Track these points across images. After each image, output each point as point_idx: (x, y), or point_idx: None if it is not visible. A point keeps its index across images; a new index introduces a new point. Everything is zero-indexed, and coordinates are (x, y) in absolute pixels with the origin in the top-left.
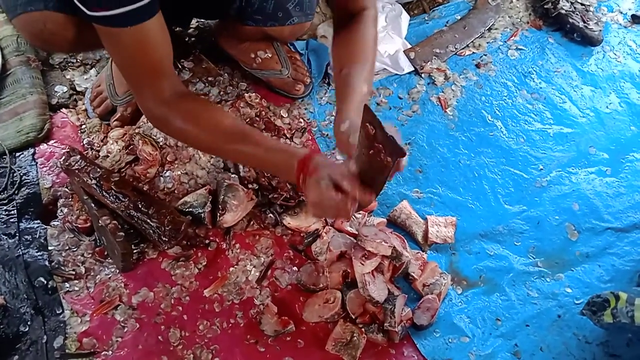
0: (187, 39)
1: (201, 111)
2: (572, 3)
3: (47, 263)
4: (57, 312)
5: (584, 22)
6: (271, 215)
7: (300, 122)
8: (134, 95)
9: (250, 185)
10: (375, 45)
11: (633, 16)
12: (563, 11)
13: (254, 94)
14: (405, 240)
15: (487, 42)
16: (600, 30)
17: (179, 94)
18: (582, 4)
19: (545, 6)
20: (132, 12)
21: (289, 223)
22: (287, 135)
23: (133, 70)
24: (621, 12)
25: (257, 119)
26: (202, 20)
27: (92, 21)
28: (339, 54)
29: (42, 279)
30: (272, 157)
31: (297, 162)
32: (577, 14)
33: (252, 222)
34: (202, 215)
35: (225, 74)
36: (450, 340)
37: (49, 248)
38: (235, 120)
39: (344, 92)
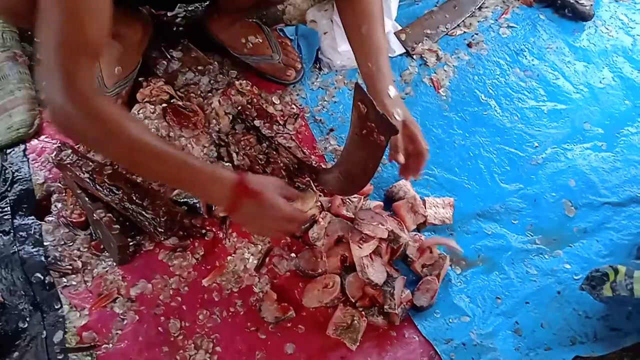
0: (175, 29)
1: (118, 116)
2: None
3: (43, 259)
4: (56, 307)
5: None
6: None
7: (293, 109)
8: (43, 78)
9: None
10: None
11: None
12: None
13: (244, 81)
14: (407, 220)
15: (478, 21)
16: (592, 5)
17: (93, 92)
18: None
19: None
20: None
21: None
22: (280, 122)
23: (60, 46)
24: None
25: (249, 106)
26: (190, 8)
27: None
28: (350, 13)
29: (39, 274)
30: (201, 177)
31: (234, 184)
32: None
33: None
34: (198, 205)
35: (215, 63)
36: (450, 320)
37: (45, 244)
38: (158, 137)
39: (373, 55)
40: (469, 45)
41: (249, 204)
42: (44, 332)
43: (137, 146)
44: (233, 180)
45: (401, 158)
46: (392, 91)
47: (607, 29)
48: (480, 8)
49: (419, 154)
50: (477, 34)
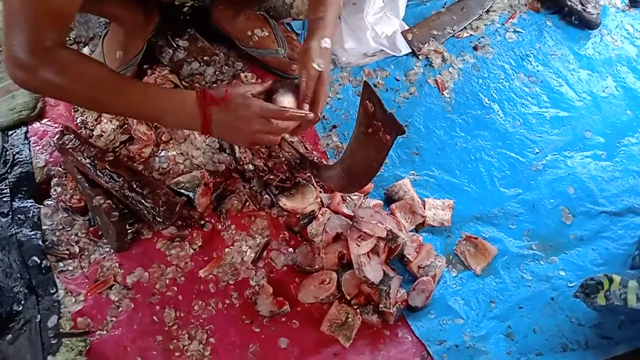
0: (182, 18)
1: (79, 60)
2: None
3: (40, 242)
4: (51, 291)
5: (582, 5)
6: (267, 196)
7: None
8: (5, 37)
9: (245, 166)
10: None
11: (631, 0)
12: None
13: (249, 73)
14: (401, 222)
15: (485, 25)
16: (598, 14)
17: (57, 48)
18: None
19: None
20: None
21: (284, 204)
22: None
23: (22, 9)
24: None
25: None
26: None
27: None
28: None
29: (35, 258)
30: (165, 99)
31: (197, 97)
32: None
33: (247, 203)
34: (193, 197)
35: (221, 54)
36: (444, 321)
37: (43, 227)
38: (115, 72)
39: (323, 3)
40: (475, 48)
41: (218, 111)
42: (39, 316)
43: (101, 86)
44: (195, 95)
45: (306, 107)
46: (327, 42)
47: (612, 38)
48: (487, 11)
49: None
50: (483, 37)
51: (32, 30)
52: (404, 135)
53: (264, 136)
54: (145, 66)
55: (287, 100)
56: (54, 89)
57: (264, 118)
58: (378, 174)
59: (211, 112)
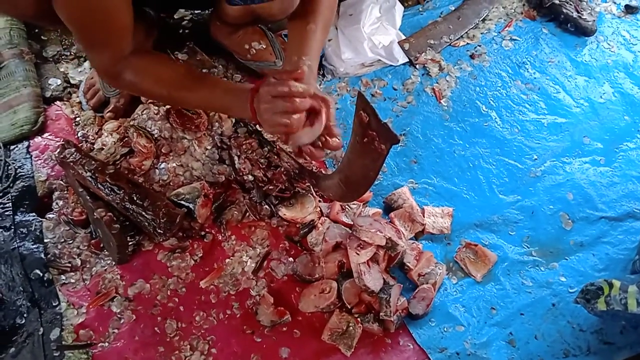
0: (181, 31)
1: (155, 64)
2: None
3: (42, 255)
4: (54, 304)
5: (578, 12)
6: (267, 206)
7: None
8: (87, 54)
9: (245, 177)
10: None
11: (627, 6)
12: (557, 1)
13: None
14: (401, 231)
15: (481, 33)
16: (594, 21)
17: (135, 53)
18: None
19: None
20: None
21: (284, 214)
22: None
23: (95, 34)
24: (615, 2)
25: None
26: (196, 11)
27: None
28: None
29: (38, 271)
30: (230, 95)
31: (250, 91)
32: (570, 4)
33: (247, 214)
34: (193, 209)
35: (220, 66)
36: (445, 329)
37: (45, 240)
38: (190, 67)
39: (301, 35)
40: (472, 56)
41: (256, 102)
42: (41, 329)
43: (175, 84)
44: (252, 86)
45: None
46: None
47: (609, 44)
48: (483, 20)
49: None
50: (480, 46)
51: (111, 49)
52: (401, 144)
53: (278, 118)
54: None
55: None
56: (137, 89)
57: (273, 98)
58: (376, 182)
59: (254, 104)
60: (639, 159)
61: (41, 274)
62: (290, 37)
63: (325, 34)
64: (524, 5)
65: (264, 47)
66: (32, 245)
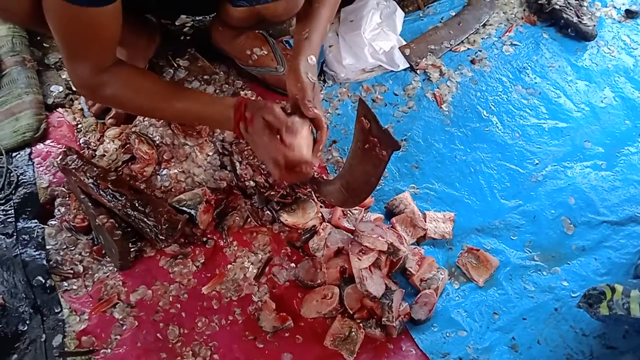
0: (182, 38)
1: (135, 76)
2: None
3: (45, 262)
4: (56, 310)
5: (578, 17)
6: (268, 212)
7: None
8: (67, 64)
9: (247, 183)
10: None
11: (627, 11)
12: (557, 6)
13: (249, 91)
14: (402, 236)
15: (482, 38)
16: (594, 25)
17: (116, 65)
18: None
19: (540, 2)
20: None
21: (286, 220)
22: None
23: (78, 45)
24: (615, 7)
25: None
26: (197, 18)
27: None
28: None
29: (40, 278)
30: (210, 110)
31: (233, 111)
32: (571, 9)
33: (249, 220)
34: (195, 215)
35: (221, 72)
36: (447, 334)
37: (47, 247)
38: (170, 82)
39: (309, 26)
40: (472, 61)
41: (243, 127)
42: (44, 336)
43: (156, 96)
44: (235, 104)
45: (315, 112)
46: (312, 60)
47: (609, 49)
48: (484, 25)
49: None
50: (480, 51)
51: (94, 58)
52: (403, 149)
53: (276, 153)
54: None
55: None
56: (116, 101)
57: (271, 133)
58: (377, 188)
59: (240, 127)
60: None
61: (43, 281)
62: (297, 18)
63: (331, 12)
64: (524, 10)
65: (266, 53)
66: (34, 252)
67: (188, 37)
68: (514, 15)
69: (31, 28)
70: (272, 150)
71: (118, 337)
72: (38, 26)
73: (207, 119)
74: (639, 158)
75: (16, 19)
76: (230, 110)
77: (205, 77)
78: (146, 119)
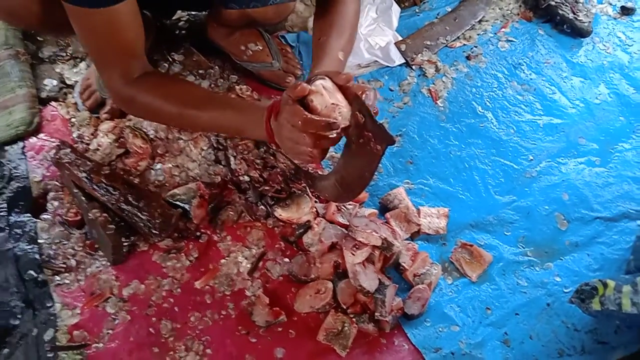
0: (177, 32)
1: (166, 84)
2: None
3: (37, 256)
4: (48, 305)
5: (574, 13)
6: (262, 207)
7: None
8: (100, 75)
9: (241, 178)
10: (356, 17)
11: (622, 7)
12: (553, 3)
13: (244, 86)
14: (396, 231)
15: (478, 34)
16: (590, 22)
17: (146, 74)
18: None
19: None
20: None
21: (280, 215)
22: None
23: (102, 51)
24: (610, 4)
25: None
26: (193, 12)
27: None
28: (319, 24)
29: (32, 272)
30: (243, 114)
31: (267, 110)
32: (566, 6)
33: (243, 214)
34: (188, 209)
35: (216, 67)
36: (440, 329)
37: (39, 241)
38: (201, 88)
39: (319, 57)
40: (468, 57)
41: (274, 123)
42: (35, 330)
43: (187, 102)
44: (269, 104)
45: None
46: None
47: (604, 45)
48: (480, 21)
49: None
50: (476, 47)
51: (119, 67)
52: (397, 145)
53: (297, 146)
54: None
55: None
56: (149, 110)
57: (294, 126)
58: (372, 183)
59: (271, 125)
60: (634, 160)
61: (35, 275)
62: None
63: (342, 41)
64: (520, 6)
65: (261, 48)
66: (27, 246)
67: (183, 32)
68: (509, 12)
69: (41, 33)
70: (305, 124)
71: (110, 331)
72: (48, 31)
73: (241, 124)
74: (632, 155)
75: (24, 23)
76: (263, 111)
77: (201, 71)
78: None
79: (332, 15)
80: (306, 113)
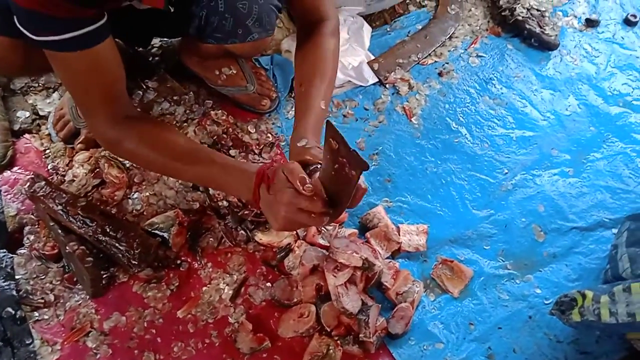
0: (151, 59)
1: (154, 132)
2: (528, 9)
3: (14, 292)
4: (27, 342)
5: (541, 27)
6: (242, 232)
7: (269, 137)
8: (85, 119)
9: (220, 203)
10: (336, 57)
11: (587, 20)
12: (520, 17)
13: (220, 111)
14: (377, 250)
15: (449, 51)
16: (557, 35)
17: (131, 116)
18: (538, 10)
19: (503, 13)
20: (80, 37)
21: (260, 239)
22: (256, 151)
23: (84, 94)
24: (575, 17)
25: (225, 136)
26: (165, 39)
27: (39, 46)
28: (299, 68)
29: (9, 309)
30: (229, 174)
31: (255, 174)
32: (533, 20)
33: (223, 240)
34: (167, 238)
35: (191, 92)
36: (425, 347)
37: (16, 277)
38: (189, 140)
39: (301, 109)
40: (440, 74)
41: (264, 190)
42: None
43: (174, 153)
44: (258, 168)
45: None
46: (303, 142)
47: (572, 57)
48: (450, 38)
49: None
50: (447, 63)
51: (104, 110)
52: (375, 164)
53: (292, 223)
54: None
55: None
56: (135, 155)
57: (292, 205)
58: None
59: (260, 190)
60: (606, 169)
61: (13, 312)
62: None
63: (326, 90)
64: (488, 22)
65: (235, 72)
66: (3, 282)
67: (157, 58)
68: (478, 27)
69: (22, 77)
70: (295, 200)
71: None
72: (29, 75)
73: (224, 182)
74: (604, 164)
75: (11, 72)
76: (251, 175)
77: (175, 97)
78: None
79: (314, 58)
80: (307, 198)
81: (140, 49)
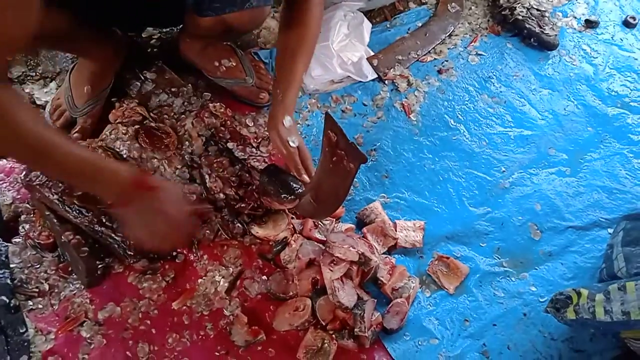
0: (149, 50)
1: (17, 108)
2: (528, 9)
3: (9, 281)
4: (21, 331)
5: (540, 27)
6: (239, 225)
7: (266, 131)
8: None
9: (217, 196)
10: (319, 25)
11: (587, 21)
12: (520, 17)
13: (218, 103)
14: (374, 245)
15: (448, 48)
16: (556, 35)
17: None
18: (538, 10)
19: (503, 12)
20: None
21: (257, 232)
22: (254, 144)
23: None
24: (575, 17)
25: (223, 128)
26: (164, 30)
27: None
28: (285, 35)
29: (4, 297)
30: (105, 165)
31: (132, 178)
32: (533, 20)
33: (220, 233)
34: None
35: (189, 84)
36: (420, 342)
37: (11, 266)
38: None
39: (286, 80)
40: (439, 71)
41: (143, 197)
42: (8, 357)
43: (35, 141)
44: (132, 173)
45: (306, 179)
46: (287, 121)
47: (570, 58)
48: (450, 36)
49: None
50: (447, 61)
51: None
52: (372, 159)
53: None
54: (113, 99)
55: None
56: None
57: (185, 220)
58: (348, 197)
59: (135, 195)
60: (602, 169)
61: (7, 301)
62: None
63: (305, 63)
64: (488, 20)
65: (234, 64)
66: None
67: (155, 50)
68: (478, 26)
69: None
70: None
71: (86, 356)
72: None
73: (92, 175)
74: (601, 164)
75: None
76: (124, 180)
77: (173, 89)
78: (113, 132)
79: (299, 26)
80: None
81: (136, 37)
